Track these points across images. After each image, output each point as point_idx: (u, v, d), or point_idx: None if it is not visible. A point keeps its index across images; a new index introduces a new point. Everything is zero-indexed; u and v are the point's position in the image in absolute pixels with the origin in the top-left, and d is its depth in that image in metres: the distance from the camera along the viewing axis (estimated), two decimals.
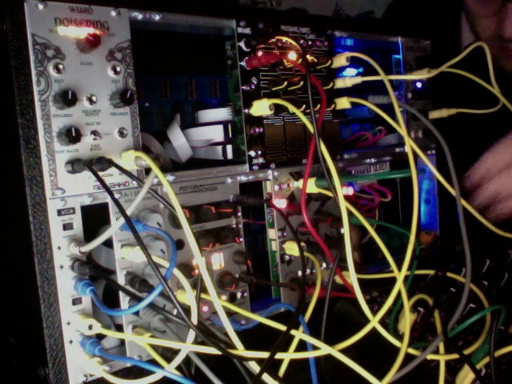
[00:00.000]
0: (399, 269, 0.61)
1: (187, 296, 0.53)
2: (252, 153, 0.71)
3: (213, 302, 0.51)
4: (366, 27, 0.87)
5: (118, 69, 0.57)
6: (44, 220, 0.54)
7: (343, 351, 0.57)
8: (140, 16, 0.61)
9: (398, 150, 0.90)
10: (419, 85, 0.93)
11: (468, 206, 0.68)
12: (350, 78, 0.79)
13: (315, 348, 0.57)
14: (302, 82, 0.73)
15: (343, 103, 0.79)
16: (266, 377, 0.53)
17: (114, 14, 0.58)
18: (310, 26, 0.77)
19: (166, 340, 0.54)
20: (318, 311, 0.65)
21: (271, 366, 0.53)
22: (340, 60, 0.77)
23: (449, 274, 0.79)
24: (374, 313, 0.60)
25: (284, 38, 0.73)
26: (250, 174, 0.71)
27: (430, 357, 0.63)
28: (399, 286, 0.60)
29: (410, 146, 0.66)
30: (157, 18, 0.62)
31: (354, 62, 0.83)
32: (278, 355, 0.54)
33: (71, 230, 0.55)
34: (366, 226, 0.65)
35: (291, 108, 0.66)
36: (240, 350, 0.53)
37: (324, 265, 0.77)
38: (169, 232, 0.55)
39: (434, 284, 0.82)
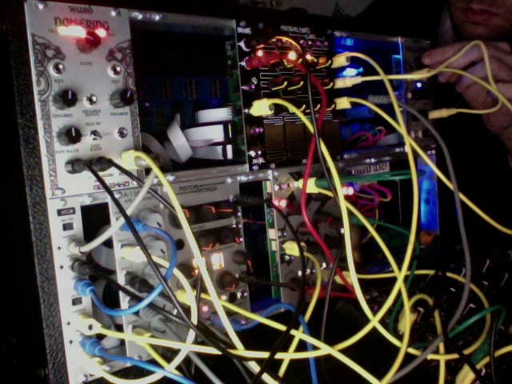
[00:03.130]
0: (399, 269, 0.61)
1: (187, 296, 0.53)
2: (252, 153, 0.71)
3: (213, 302, 0.51)
4: (366, 27, 0.87)
5: (118, 69, 0.57)
6: (44, 220, 0.54)
7: (343, 351, 0.57)
8: (140, 16, 0.61)
9: (397, 150, 0.90)
10: (419, 85, 0.93)
11: (468, 202, 0.68)
12: (350, 78, 0.79)
13: (315, 348, 0.57)
14: (301, 82, 0.73)
15: (343, 103, 0.79)
16: (266, 377, 0.53)
17: (113, 14, 0.58)
18: (309, 26, 0.77)
19: (166, 340, 0.54)
20: (318, 311, 0.65)
21: (271, 366, 0.53)
22: (340, 60, 0.77)
23: (449, 274, 0.79)
24: (374, 313, 0.60)
25: (284, 38, 0.73)
26: (250, 174, 0.71)
27: (430, 357, 0.63)
28: (399, 285, 0.60)
29: (409, 145, 0.66)
30: (157, 18, 0.62)
31: (354, 62, 0.82)
32: (278, 355, 0.54)
33: (71, 230, 0.55)
34: (366, 226, 0.65)
35: (291, 108, 0.66)
36: (240, 350, 0.53)
37: (324, 265, 0.77)
38: (169, 232, 0.55)
39: (434, 284, 0.82)
